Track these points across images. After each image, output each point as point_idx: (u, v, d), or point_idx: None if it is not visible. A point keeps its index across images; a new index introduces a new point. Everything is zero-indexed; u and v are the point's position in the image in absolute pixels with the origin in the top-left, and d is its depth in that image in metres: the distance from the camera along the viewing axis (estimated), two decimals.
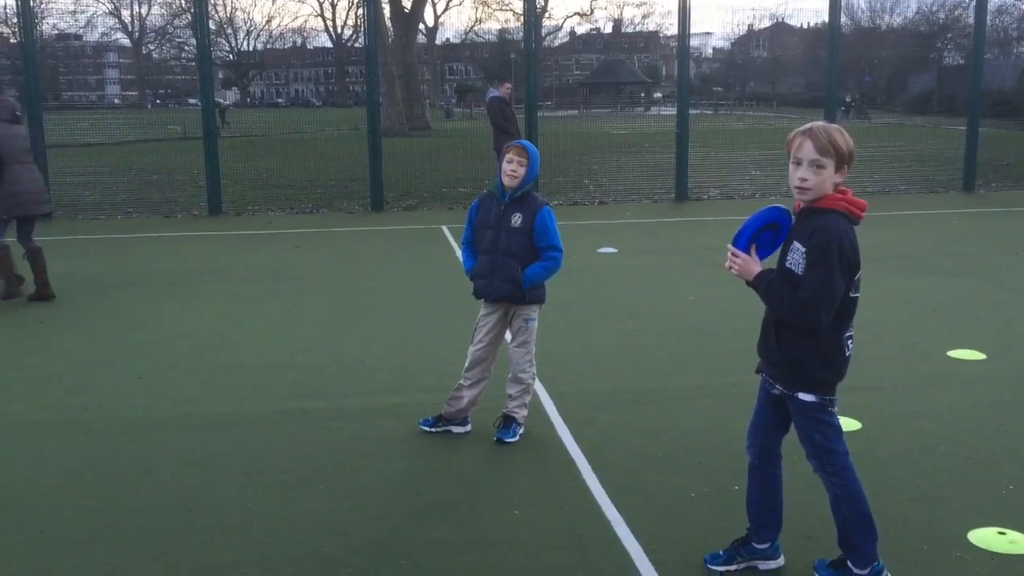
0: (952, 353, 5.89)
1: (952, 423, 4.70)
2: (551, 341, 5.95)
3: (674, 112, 15.75)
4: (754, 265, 3.00)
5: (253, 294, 8.15)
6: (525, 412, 4.61)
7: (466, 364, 4.63)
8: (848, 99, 47.07)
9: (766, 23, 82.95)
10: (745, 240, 3.03)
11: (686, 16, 14.44)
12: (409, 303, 7.69)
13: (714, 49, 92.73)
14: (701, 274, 8.52)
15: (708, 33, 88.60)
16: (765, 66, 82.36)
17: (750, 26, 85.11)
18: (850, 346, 3.01)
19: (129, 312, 7.49)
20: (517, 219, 4.46)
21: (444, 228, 11.70)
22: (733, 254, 3.04)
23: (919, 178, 16.77)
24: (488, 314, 4.60)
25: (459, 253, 9.57)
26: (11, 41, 62.91)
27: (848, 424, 4.56)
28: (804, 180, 2.89)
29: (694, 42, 16.03)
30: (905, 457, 4.27)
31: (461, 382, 4.63)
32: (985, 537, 3.48)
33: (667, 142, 16.29)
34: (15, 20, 14.11)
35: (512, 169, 4.43)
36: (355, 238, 11.50)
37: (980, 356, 5.83)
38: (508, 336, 4.68)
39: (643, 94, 74.39)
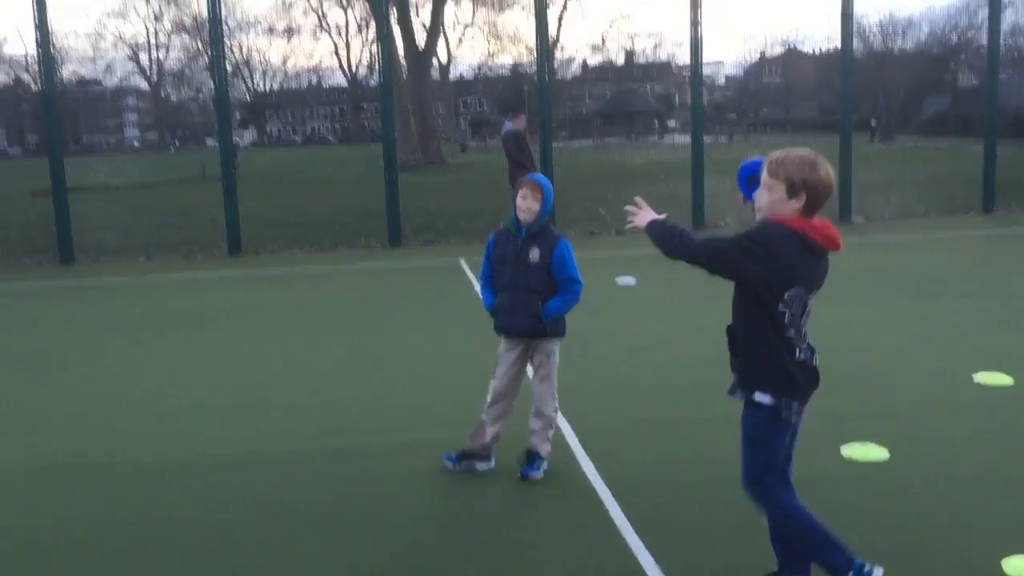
0: (978, 378, 5.82)
1: (981, 449, 4.64)
2: (572, 374, 5.91)
3: (688, 140, 15.78)
4: (649, 214, 3.10)
5: (273, 332, 8.19)
6: (548, 447, 4.58)
7: (488, 399, 4.62)
8: (873, 123, 47.09)
9: (778, 50, 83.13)
10: (743, 182, 3.14)
11: (698, 45, 14.52)
12: (429, 338, 7.69)
13: (727, 77, 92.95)
14: (721, 302, 8.43)
15: (720, 62, 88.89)
16: (778, 92, 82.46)
17: (762, 53, 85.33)
18: (803, 354, 3.01)
19: (151, 354, 7.53)
20: (535, 254, 4.46)
21: (462, 261, 11.73)
22: (636, 205, 3.18)
23: (937, 200, 16.66)
24: (509, 349, 4.59)
25: (478, 287, 9.59)
26: (32, 88, 64.06)
27: (876, 453, 4.52)
28: (757, 199, 3.02)
29: (706, 70, 16.26)
30: (935, 485, 4.21)
31: (483, 417, 4.62)
32: (1018, 565, 3.41)
33: (683, 170, 16.29)
34: (36, 68, 14.35)
35: (527, 205, 4.44)
36: (374, 274, 11.54)
37: (1007, 380, 5.75)
38: (530, 370, 4.67)
39: (657, 123, 74.61)
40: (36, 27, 13.40)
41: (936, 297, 8.55)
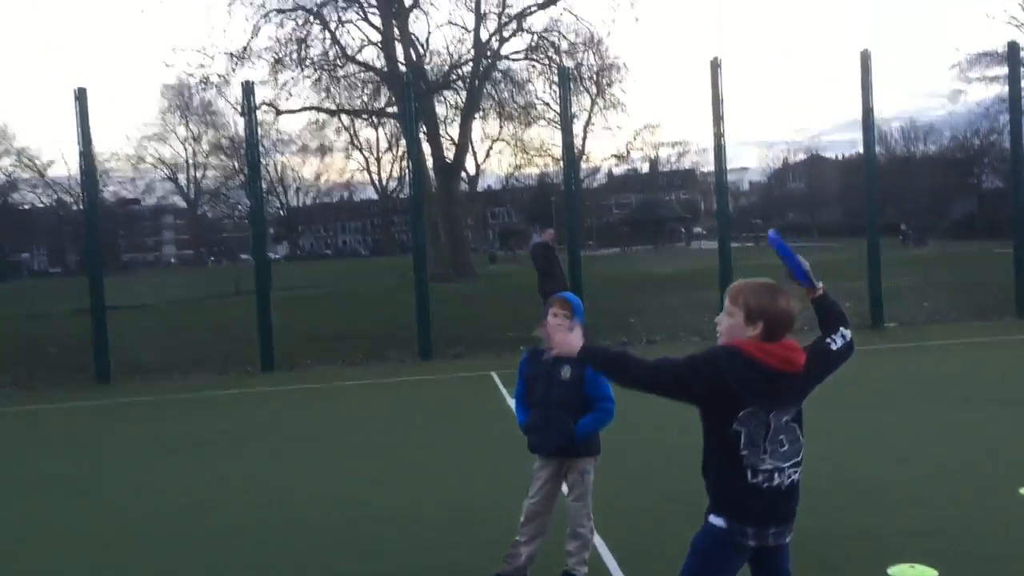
0: None
1: None
2: (609, 491, 5.83)
3: (715, 246, 15.90)
4: (575, 338, 3.04)
5: (307, 450, 8.18)
6: (585, 569, 4.49)
7: (522, 519, 4.56)
8: (904, 227, 47.24)
9: (801, 156, 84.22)
10: (801, 273, 3.18)
11: (722, 153, 14.78)
12: (462, 455, 7.65)
13: (751, 183, 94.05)
14: None
15: (744, 168, 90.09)
16: (803, 197, 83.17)
17: (785, 160, 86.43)
18: (760, 476, 2.97)
19: (186, 474, 7.54)
20: (566, 371, 4.47)
21: (493, 375, 11.72)
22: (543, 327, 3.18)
23: (970, 305, 16.52)
24: (543, 467, 4.56)
25: (510, 401, 9.57)
26: (73, 208, 66.17)
27: (926, 574, 4.38)
28: (718, 323, 3.07)
29: (731, 177, 16.48)
30: None
31: (518, 538, 4.55)
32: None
33: (710, 277, 16.36)
34: (79, 189, 14.86)
35: (557, 323, 4.48)
36: (406, 389, 11.56)
37: None
38: (564, 489, 4.62)
39: (683, 229, 75.35)
40: (80, 152, 13.95)
41: (974, 405, 8.40)
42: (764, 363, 2.91)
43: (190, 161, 78.98)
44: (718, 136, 14.69)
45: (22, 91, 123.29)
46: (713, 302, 15.29)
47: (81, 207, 15.04)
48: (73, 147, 14.47)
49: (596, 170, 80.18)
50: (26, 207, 76.95)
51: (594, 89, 39.85)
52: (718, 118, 14.64)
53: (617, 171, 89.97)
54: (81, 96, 13.69)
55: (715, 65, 14.55)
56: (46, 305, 28.54)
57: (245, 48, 34.77)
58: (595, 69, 39.22)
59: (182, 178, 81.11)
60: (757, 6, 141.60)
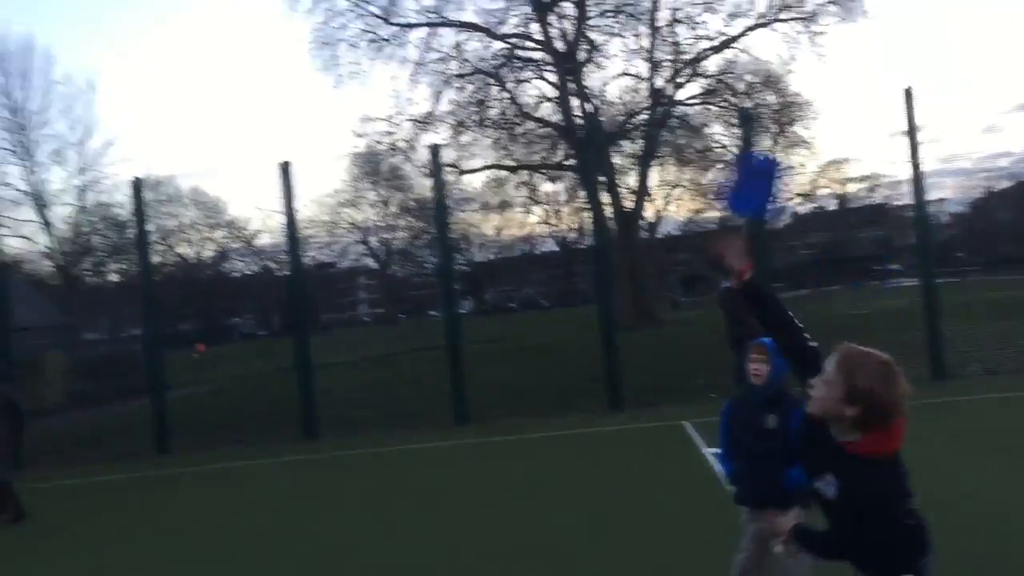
0: None
1: None
2: None
3: (915, 283, 14.98)
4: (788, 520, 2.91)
5: (504, 504, 8.25)
6: None
7: (735, 575, 4.39)
8: None
9: (1005, 183, 78.53)
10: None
11: (920, 184, 14.00)
12: (663, 508, 7.48)
13: (951, 214, 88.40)
14: (971, 460, 7.76)
15: (942, 199, 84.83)
16: (1013, 227, 77.26)
17: (988, 188, 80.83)
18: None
19: (392, 530, 7.75)
20: (771, 420, 4.31)
21: (685, 424, 11.45)
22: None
23: None
24: (751, 520, 4.39)
25: (704, 450, 9.32)
26: (276, 274, 70.82)
27: None
28: (811, 386, 2.72)
29: (929, 209, 15.54)
30: None
31: None
32: None
33: (910, 316, 15.40)
34: (282, 257, 15.87)
35: (755, 368, 4.35)
36: (598, 440, 11.48)
37: None
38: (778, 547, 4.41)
39: (877, 267, 71.74)
40: (286, 222, 14.91)
41: None
42: (901, 466, 2.74)
43: (380, 224, 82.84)
44: (915, 167, 13.94)
45: (229, 163, 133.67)
46: (917, 343, 14.38)
47: (284, 273, 16.06)
48: (277, 216, 15.54)
49: (780, 210, 77.79)
50: (236, 275, 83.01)
51: (775, 128, 38.94)
52: (914, 148, 13.90)
53: (802, 210, 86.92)
54: (285, 169, 14.60)
55: (908, 94, 13.87)
56: (255, 365, 30.52)
57: (428, 114, 36.37)
58: (775, 108, 38.33)
59: (373, 240, 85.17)
60: (945, 27, 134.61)
